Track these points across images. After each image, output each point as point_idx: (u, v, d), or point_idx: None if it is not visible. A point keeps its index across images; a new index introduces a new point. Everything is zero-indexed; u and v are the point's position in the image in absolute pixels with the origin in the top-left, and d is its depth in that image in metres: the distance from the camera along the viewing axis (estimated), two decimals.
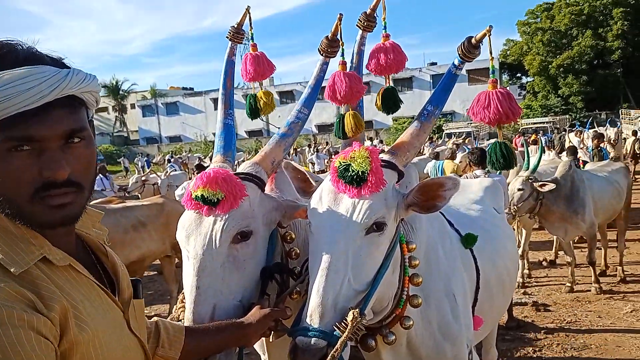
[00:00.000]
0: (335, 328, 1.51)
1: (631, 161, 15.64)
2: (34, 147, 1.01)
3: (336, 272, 1.57)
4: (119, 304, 1.20)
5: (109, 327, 1.11)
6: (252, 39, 2.41)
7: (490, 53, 1.86)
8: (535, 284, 6.96)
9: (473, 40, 1.82)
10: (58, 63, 1.08)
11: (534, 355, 4.75)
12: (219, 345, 1.53)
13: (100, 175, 12.40)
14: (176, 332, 1.46)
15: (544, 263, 7.75)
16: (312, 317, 1.53)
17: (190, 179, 10.67)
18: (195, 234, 1.69)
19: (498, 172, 5.97)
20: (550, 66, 38.54)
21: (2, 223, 1.05)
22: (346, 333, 1.49)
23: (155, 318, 1.48)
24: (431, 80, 41.25)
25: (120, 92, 52.93)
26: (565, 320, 5.58)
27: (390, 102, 2.28)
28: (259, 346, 2.23)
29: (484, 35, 1.79)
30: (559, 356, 4.71)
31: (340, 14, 2.00)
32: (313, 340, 1.49)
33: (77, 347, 1.02)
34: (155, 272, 8.34)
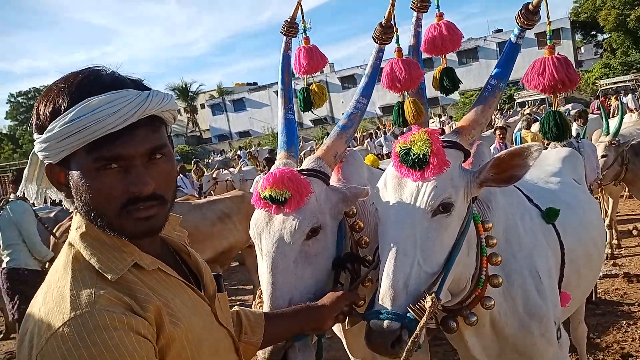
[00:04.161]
0: (409, 310, 1.52)
1: None
2: (120, 165, 1.09)
3: (405, 255, 1.58)
4: (206, 299, 1.28)
5: (200, 321, 1.19)
6: (304, 32, 2.43)
7: (548, 17, 1.79)
8: (626, 254, 6.56)
9: (530, 6, 1.76)
10: (139, 85, 1.16)
11: (629, 329, 4.49)
12: (296, 327, 1.60)
13: (180, 175, 12.91)
14: (257, 319, 1.55)
15: (635, 232, 7.27)
16: (384, 300, 1.55)
17: (261, 171, 10.91)
18: (265, 232, 1.75)
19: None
20: (628, 19, 35.70)
21: (95, 234, 1.14)
22: (425, 318, 1.49)
23: (236, 307, 1.57)
24: (497, 49, 39.47)
25: (190, 93, 54.92)
26: None
27: (448, 83, 2.23)
28: (338, 330, 2.28)
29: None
30: None
31: (393, 0, 1.96)
32: (386, 322, 1.51)
33: (173, 342, 1.10)
34: (237, 264, 8.66)
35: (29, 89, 57.64)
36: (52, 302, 1.04)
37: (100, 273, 1.08)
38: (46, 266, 5.20)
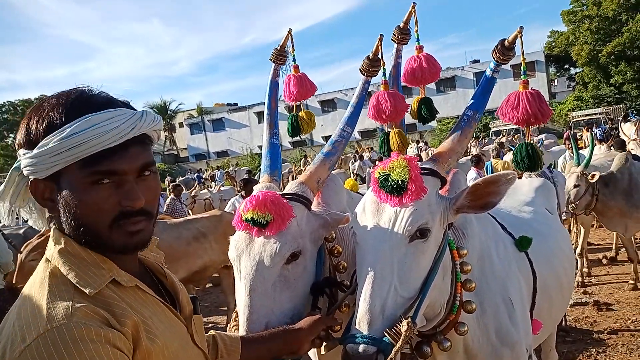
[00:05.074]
0: (386, 334, 1.53)
1: None
2: (114, 180, 1.12)
3: (382, 280, 1.60)
4: (182, 320, 1.28)
5: (176, 341, 1.20)
6: (294, 60, 2.48)
7: (522, 54, 1.88)
8: (596, 282, 6.70)
9: (506, 43, 1.84)
10: (127, 105, 1.20)
11: (598, 357, 4.57)
12: (272, 350, 1.60)
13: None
14: (233, 342, 1.54)
15: (604, 260, 7.44)
16: (361, 324, 1.56)
17: (238, 192, 10.88)
18: (245, 254, 1.75)
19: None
20: (600, 55, 37.00)
21: (74, 250, 1.15)
22: (400, 342, 1.51)
23: (212, 331, 1.56)
24: (474, 79, 40.38)
25: (169, 112, 54.62)
26: (630, 319, 5.34)
27: (425, 112, 2.31)
28: (313, 356, 2.28)
29: (516, 36, 1.82)
30: (625, 357, 4.52)
31: (381, 35, 2.04)
32: (362, 347, 1.52)
33: (149, 357, 1.11)
34: (211, 285, 8.56)
35: (4, 102, 56.56)
36: (27, 315, 1.04)
37: (77, 288, 1.08)
38: (19, 285, 5.03)
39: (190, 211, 11.90)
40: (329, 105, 44.83)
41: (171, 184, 12.24)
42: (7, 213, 1.25)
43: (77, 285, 1.09)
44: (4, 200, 1.23)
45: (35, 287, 1.11)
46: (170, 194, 10.97)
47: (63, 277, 1.11)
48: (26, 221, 1.31)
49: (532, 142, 1.99)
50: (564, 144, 11.54)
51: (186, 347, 1.24)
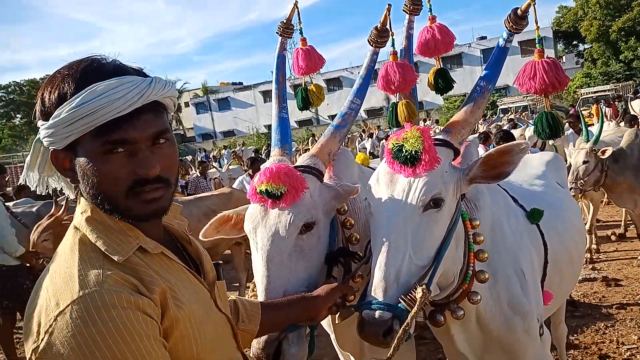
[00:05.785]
0: (401, 300, 1.56)
1: None
2: (126, 149, 1.12)
3: (396, 249, 1.62)
4: (206, 285, 1.31)
5: (201, 306, 1.22)
6: (301, 33, 2.47)
7: (536, 22, 1.85)
8: (605, 258, 6.71)
9: (519, 12, 1.82)
10: (140, 73, 1.19)
11: (606, 331, 4.61)
12: (291, 317, 1.63)
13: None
14: (253, 308, 1.58)
15: (613, 237, 7.44)
16: (376, 291, 1.59)
17: (245, 171, 10.96)
18: (261, 226, 1.78)
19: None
20: (610, 30, 36.42)
21: (100, 218, 1.16)
22: (415, 308, 1.53)
23: (233, 296, 1.59)
24: (481, 55, 39.89)
25: None
26: (638, 294, 5.36)
27: (442, 83, 2.29)
28: (327, 325, 2.32)
29: (529, 5, 1.79)
30: (633, 332, 4.55)
31: (389, 5, 2.01)
32: (378, 312, 1.55)
33: (177, 323, 1.13)
34: (222, 262, 8.65)
35: (9, 82, 56.60)
36: (60, 281, 1.06)
37: (107, 255, 1.11)
38: (40, 262, 5.04)
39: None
40: (334, 83, 44.50)
41: (197, 161, 12.27)
42: (37, 182, 1.28)
43: (106, 252, 1.11)
44: (33, 170, 1.26)
45: (66, 254, 1.13)
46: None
47: (92, 244, 1.13)
48: (58, 190, 1.33)
49: (551, 111, 1.97)
50: (566, 123, 11.41)
51: (210, 313, 1.26)
